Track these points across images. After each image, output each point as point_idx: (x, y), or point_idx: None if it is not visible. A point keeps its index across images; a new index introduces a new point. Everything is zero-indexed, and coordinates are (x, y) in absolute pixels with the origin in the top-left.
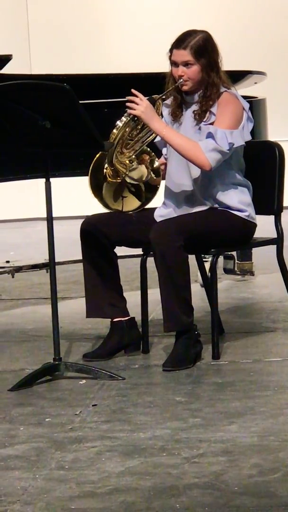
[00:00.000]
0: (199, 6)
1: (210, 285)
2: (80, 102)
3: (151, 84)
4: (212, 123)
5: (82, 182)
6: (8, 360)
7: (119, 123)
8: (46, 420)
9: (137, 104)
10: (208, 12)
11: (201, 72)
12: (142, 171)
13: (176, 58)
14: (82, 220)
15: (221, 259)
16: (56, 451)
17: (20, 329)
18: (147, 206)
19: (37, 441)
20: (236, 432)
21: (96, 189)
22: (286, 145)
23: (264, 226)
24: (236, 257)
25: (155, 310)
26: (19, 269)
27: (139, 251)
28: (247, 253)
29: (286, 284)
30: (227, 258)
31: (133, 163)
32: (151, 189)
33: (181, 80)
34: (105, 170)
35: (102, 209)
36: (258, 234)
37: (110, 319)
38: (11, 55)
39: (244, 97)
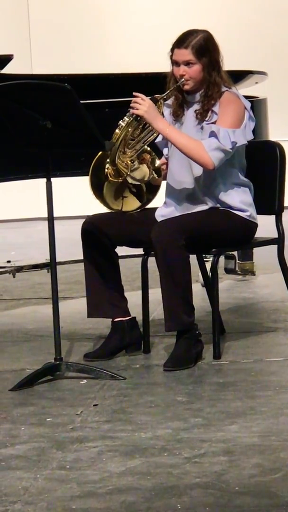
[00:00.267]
0: (199, 6)
1: (211, 285)
2: (81, 102)
3: (152, 84)
4: (214, 122)
5: (83, 182)
6: (9, 360)
7: (122, 123)
8: (47, 420)
9: (139, 104)
10: (209, 12)
11: (202, 71)
12: (144, 171)
13: (178, 58)
14: (83, 220)
15: (222, 259)
16: (57, 451)
17: (21, 329)
18: (148, 206)
19: (38, 441)
20: (237, 432)
21: (97, 189)
22: (287, 145)
23: (265, 226)
24: (237, 257)
25: (156, 310)
26: (20, 269)
27: (140, 251)
28: (248, 253)
29: (287, 284)
30: (228, 258)
31: (134, 163)
32: (152, 190)
33: (183, 79)
34: (106, 170)
35: (103, 209)
36: (259, 234)
37: (111, 319)
38: (12, 55)
39: (245, 97)
